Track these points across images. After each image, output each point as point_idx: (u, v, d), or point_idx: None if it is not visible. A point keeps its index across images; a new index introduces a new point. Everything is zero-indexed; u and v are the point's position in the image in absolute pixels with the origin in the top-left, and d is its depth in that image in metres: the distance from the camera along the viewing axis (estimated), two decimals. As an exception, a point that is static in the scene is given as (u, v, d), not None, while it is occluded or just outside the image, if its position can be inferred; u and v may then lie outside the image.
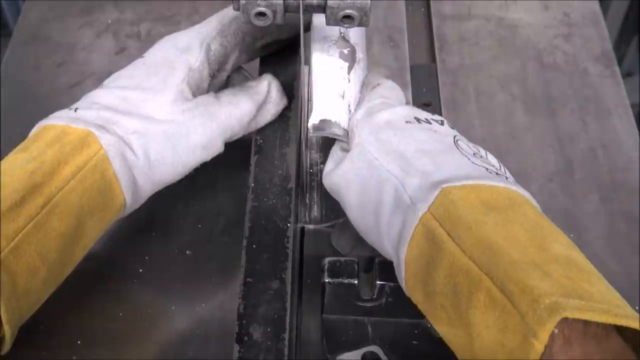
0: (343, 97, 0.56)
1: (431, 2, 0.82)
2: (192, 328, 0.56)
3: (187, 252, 0.61)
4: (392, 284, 0.54)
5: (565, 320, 0.39)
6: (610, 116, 0.72)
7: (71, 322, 0.57)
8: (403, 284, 0.49)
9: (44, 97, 0.73)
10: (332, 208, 0.61)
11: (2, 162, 0.51)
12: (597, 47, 0.78)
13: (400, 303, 0.54)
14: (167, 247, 0.61)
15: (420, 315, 0.51)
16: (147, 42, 0.77)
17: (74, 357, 0.55)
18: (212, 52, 0.58)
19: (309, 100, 0.57)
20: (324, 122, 0.55)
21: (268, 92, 0.59)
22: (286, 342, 0.48)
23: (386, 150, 0.51)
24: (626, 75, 1.27)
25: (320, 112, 0.55)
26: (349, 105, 0.56)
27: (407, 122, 0.53)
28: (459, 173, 0.48)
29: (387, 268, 0.54)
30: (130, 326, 0.57)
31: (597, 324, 0.39)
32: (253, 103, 0.58)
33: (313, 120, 0.55)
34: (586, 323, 0.39)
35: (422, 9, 0.82)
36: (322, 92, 0.56)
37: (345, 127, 0.55)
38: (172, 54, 0.57)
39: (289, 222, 0.54)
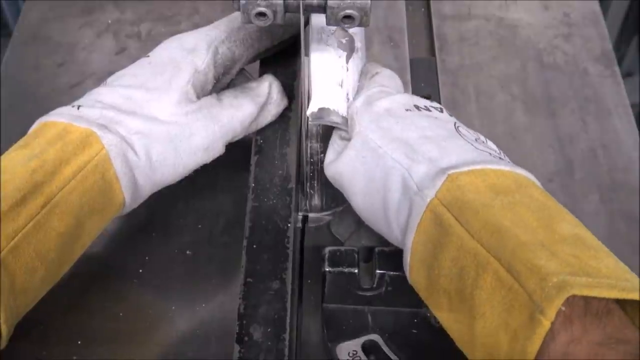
0: (341, 85, 0.56)
1: (431, 2, 0.82)
2: (193, 328, 0.56)
3: (187, 252, 0.61)
4: (391, 273, 0.55)
5: (567, 298, 0.39)
6: (610, 116, 0.72)
7: (71, 322, 0.57)
8: (407, 270, 0.50)
9: (44, 97, 0.73)
10: (333, 196, 0.61)
11: (2, 158, 0.51)
12: (597, 47, 0.78)
13: (400, 292, 0.55)
14: (167, 247, 0.61)
15: (419, 304, 0.52)
16: (147, 42, 0.77)
17: (74, 357, 0.55)
18: (220, 55, 0.57)
19: (308, 88, 0.57)
20: (322, 111, 0.55)
21: (269, 93, 0.59)
22: (286, 343, 0.48)
23: (389, 138, 0.51)
24: (626, 75, 1.27)
25: (319, 100, 0.55)
26: (347, 94, 0.56)
27: (407, 109, 0.53)
28: (465, 158, 0.49)
29: (387, 257, 0.55)
30: (130, 326, 0.57)
31: (599, 301, 0.40)
32: (255, 105, 0.58)
33: (312, 108, 0.55)
34: (588, 300, 0.40)
35: (422, 9, 0.82)
36: (321, 81, 0.56)
37: (344, 115, 0.55)
38: (178, 55, 0.56)
39: (289, 222, 0.54)
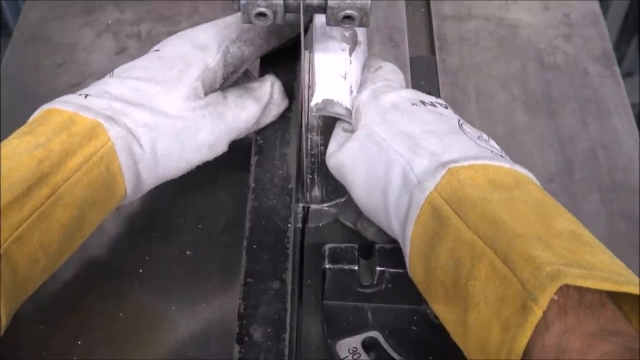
0: (345, 78, 0.56)
1: (431, 2, 0.82)
2: (193, 328, 0.56)
3: (188, 252, 0.61)
4: (392, 270, 0.55)
5: (561, 289, 0.39)
6: (611, 116, 0.72)
7: (71, 322, 0.57)
8: (407, 263, 0.50)
9: (44, 97, 0.71)
10: (334, 188, 0.61)
11: (3, 144, 0.50)
12: (597, 47, 0.78)
13: (400, 289, 0.55)
14: (167, 247, 0.61)
15: (419, 301, 0.52)
16: (147, 42, 0.77)
17: (74, 358, 0.55)
18: (230, 54, 0.57)
19: (311, 81, 0.57)
20: (326, 102, 0.55)
21: (271, 93, 0.59)
22: (286, 343, 0.48)
23: (394, 132, 0.52)
24: (626, 75, 1.27)
25: (323, 92, 0.55)
26: (350, 86, 0.56)
27: (412, 104, 0.54)
28: (466, 153, 0.49)
29: (387, 254, 0.55)
30: (130, 326, 0.57)
31: (593, 294, 0.40)
32: (258, 105, 0.58)
33: (316, 99, 0.55)
34: (582, 293, 0.40)
35: (422, 9, 0.82)
36: (325, 73, 0.56)
37: (348, 107, 0.55)
38: (189, 51, 0.56)
39: (289, 223, 0.54)
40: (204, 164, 0.57)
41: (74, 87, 0.73)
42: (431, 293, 0.48)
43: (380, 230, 0.56)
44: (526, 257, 0.41)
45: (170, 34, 0.60)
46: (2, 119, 0.69)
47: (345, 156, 0.54)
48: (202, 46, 0.57)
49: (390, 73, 0.58)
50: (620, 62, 1.19)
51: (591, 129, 0.71)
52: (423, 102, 0.54)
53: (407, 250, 0.49)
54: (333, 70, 0.56)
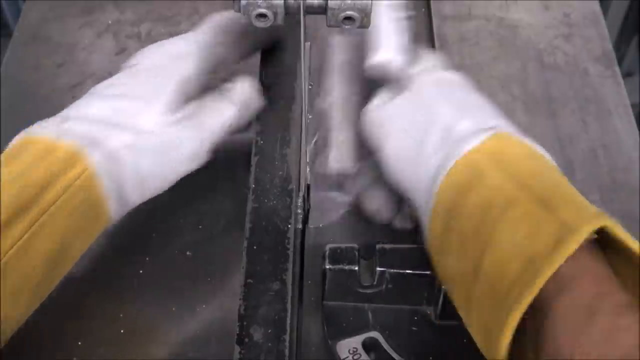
0: (401, 42, 0.58)
1: (431, 2, 0.82)
2: (193, 329, 0.57)
3: (188, 253, 0.61)
4: (392, 270, 0.55)
5: (597, 258, 0.42)
6: (611, 116, 0.72)
7: (71, 323, 0.57)
8: (425, 220, 0.50)
9: (44, 97, 0.73)
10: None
11: None
12: (598, 48, 0.78)
13: (400, 290, 0.55)
14: (167, 247, 0.61)
15: (420, 302, 0.54)
16: (147, 42, 0.76)
17: (74, 358, 0.55)
18: (207, 61, 0.57)
19: (370, 40, 0.59)
20: (384, 63, 0.57)
21: (245, 93, 0.59)
22: (287, 344, 0.48)
23: (445, 95, 0.54)
24: (626, 75, 1.27)
25: (384, 51, 0.57)
26: (405, 50, 0.58)
27: (465, 83, 0.57)
28: (514, 130, 0.51)
29: (387, 255, 0.56)
30: (130, 327, 0.57)
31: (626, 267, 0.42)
32: (234, 107, 0.58)
33: (378, 58, 0.57)
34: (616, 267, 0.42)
35: (422, 9, 0.82)
36: (387, 32, 0.58)
37: (403, 69, 0.57)
38: (166, 61, 0.56)
39: (290, 223, 0.54)
40: (203, 166, 0.57)
41: (74, 87, 0.73)
42: (444, 249, 0.48)
43: (386, 202, 0.57)
44: (571, 200, 0.43)
45: (170, 34, 0.60)
46: (2, 119, 0.69)
47: (388, 113, 0.55)
48: (179, 56, 0.56)
49: (440, 60, 0.60)
50: (620, 62, 1.19)
51: (591, 129, 0.71)
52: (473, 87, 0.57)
53: (429, 206, 0.49)
54: (393, 32, 0.58)
